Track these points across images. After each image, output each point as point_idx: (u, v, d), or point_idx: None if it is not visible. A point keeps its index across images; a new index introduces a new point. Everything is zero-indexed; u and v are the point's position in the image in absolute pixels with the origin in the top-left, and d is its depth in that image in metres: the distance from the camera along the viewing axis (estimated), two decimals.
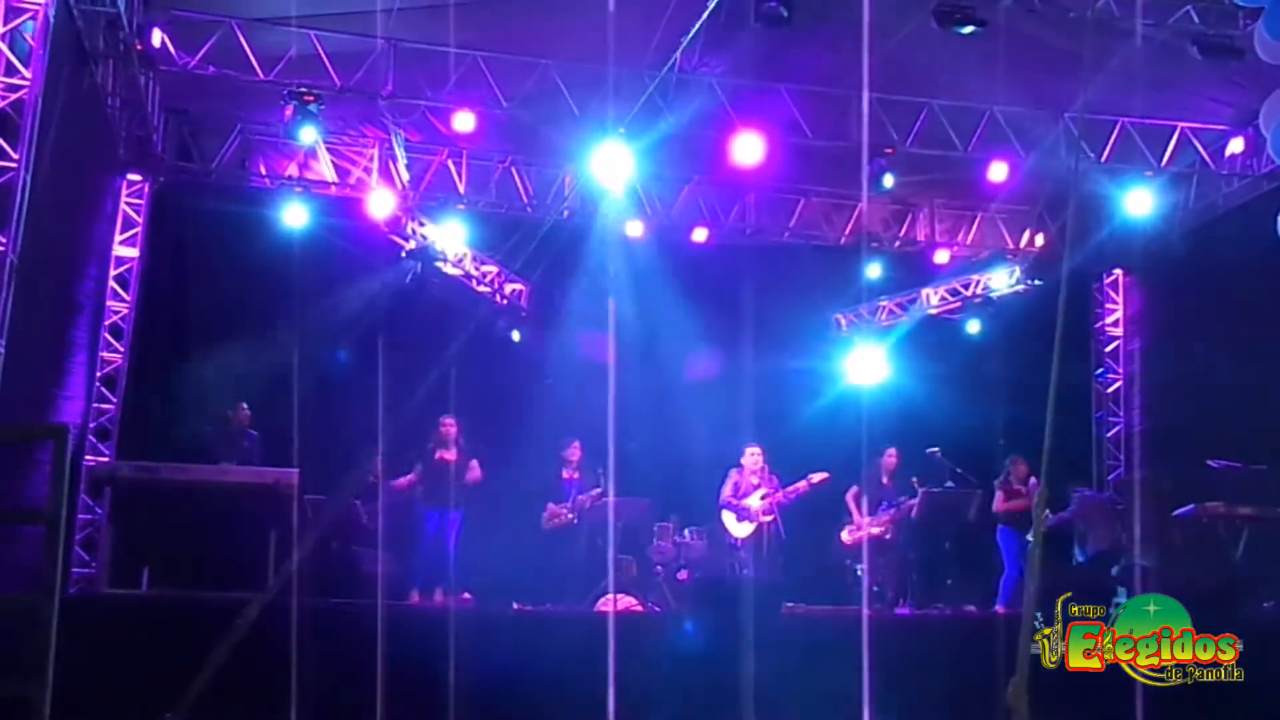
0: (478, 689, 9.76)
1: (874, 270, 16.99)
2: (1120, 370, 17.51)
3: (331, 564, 12.41)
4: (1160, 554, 13.25)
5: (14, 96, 9.37)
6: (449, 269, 15.76)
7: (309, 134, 13.31)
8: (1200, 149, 14.85)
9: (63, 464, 4.90)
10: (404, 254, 15.29)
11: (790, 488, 13.88)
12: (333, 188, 15.14)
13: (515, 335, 16.52)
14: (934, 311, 17.78)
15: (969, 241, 17.18)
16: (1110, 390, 17.50)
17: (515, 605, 12.70)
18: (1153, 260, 16.82)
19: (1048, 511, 13.30)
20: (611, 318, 13.18)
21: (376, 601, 10.79)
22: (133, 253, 14.31)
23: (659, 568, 13.92)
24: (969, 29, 11.73)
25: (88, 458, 13.56)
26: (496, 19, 12.48)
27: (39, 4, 9.42)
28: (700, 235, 16.31)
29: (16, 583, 9.77)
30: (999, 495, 14.14)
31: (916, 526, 14.01)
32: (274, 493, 11.98)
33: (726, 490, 14.06)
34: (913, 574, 14.01)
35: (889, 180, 14.22)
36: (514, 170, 15.66)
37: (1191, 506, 13.72)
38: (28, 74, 9.36)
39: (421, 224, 15.44)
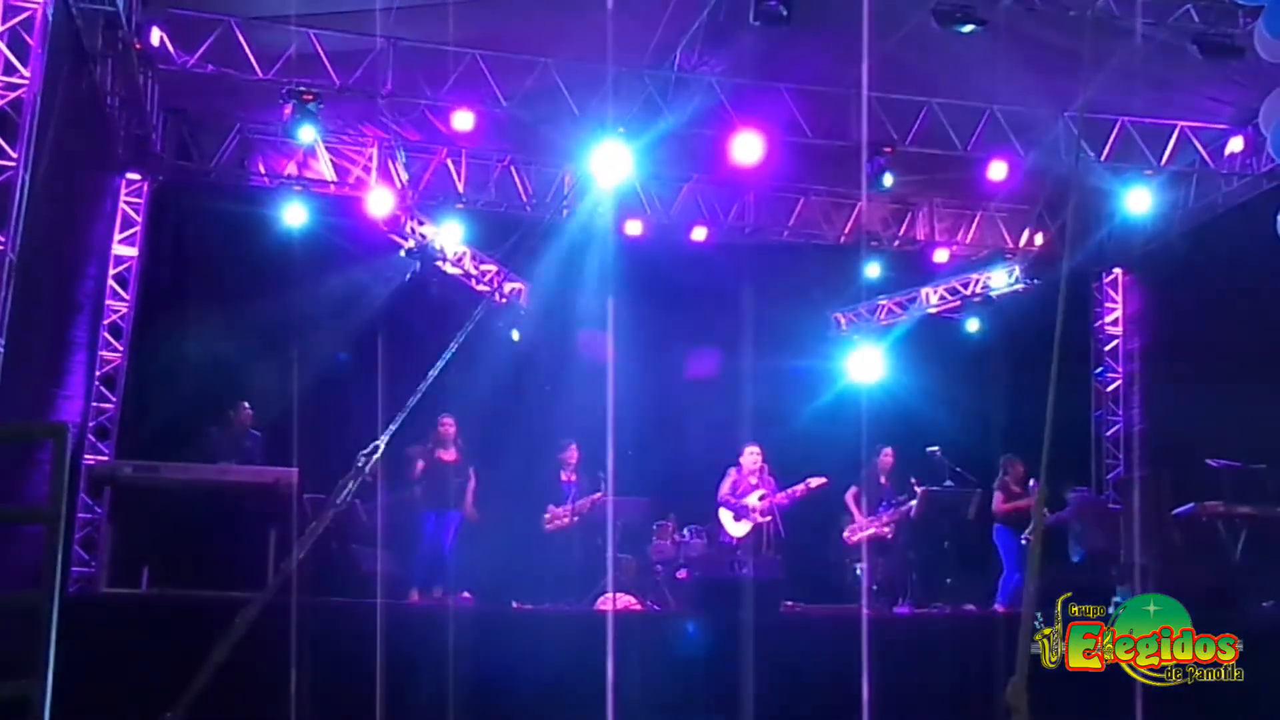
0: (477, 688, 9.77)
1: (873, 269, 16.97)
2: (1120, 369, 17.50)
3: (331, 563, 12.41)
4: (1159, 554, 13.25)
5: (13, 95, 9.36)
6: (448, 268, 15.77)
7: (308, 133, 13.30)
8: (1200, 148, 14.84)
9: (62, 463, 4.90)
10: (403, 253, 15.29)
11: (788, 490, 13.89)
12: (332, 187, 15.13)
13: (514, 335, 16.52)
14: (933, 311, 17.79)
15: (968, 241, 17.17)
16: (1110, 389, 17.50)
17: (515, 604, 12.70)
18: (1152, 259, 16.83)
19: (1045, 510, 13.28)
20: (611, 317, 13.16)
21: (376, 601, 10.80)
22: (132, 252, 14.29)
23: (658, 567, 13.92)
24: (969, 28, 11.73)
25: (87, 457, 13.54)
26: (496, 18, 12.47)
27: (37, 3, 9.41)
28: (699, 234, 16.30)
29: (16, 582, 9.77)
30: (998, 496, 14.14)
31: (916, 526, 14.02)
32: (274, 492, 11.98)
33: (725, 488, 14.06)
34: (912, 573, 14.01)
35: (888, 179, 14.22)
36: (513, 169, 15.65)
37: (1191, 506, 13.73)
38: (26, 73, 9.36)
39: (421, 223, 15.44)
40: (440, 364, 6.56)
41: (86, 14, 10.99)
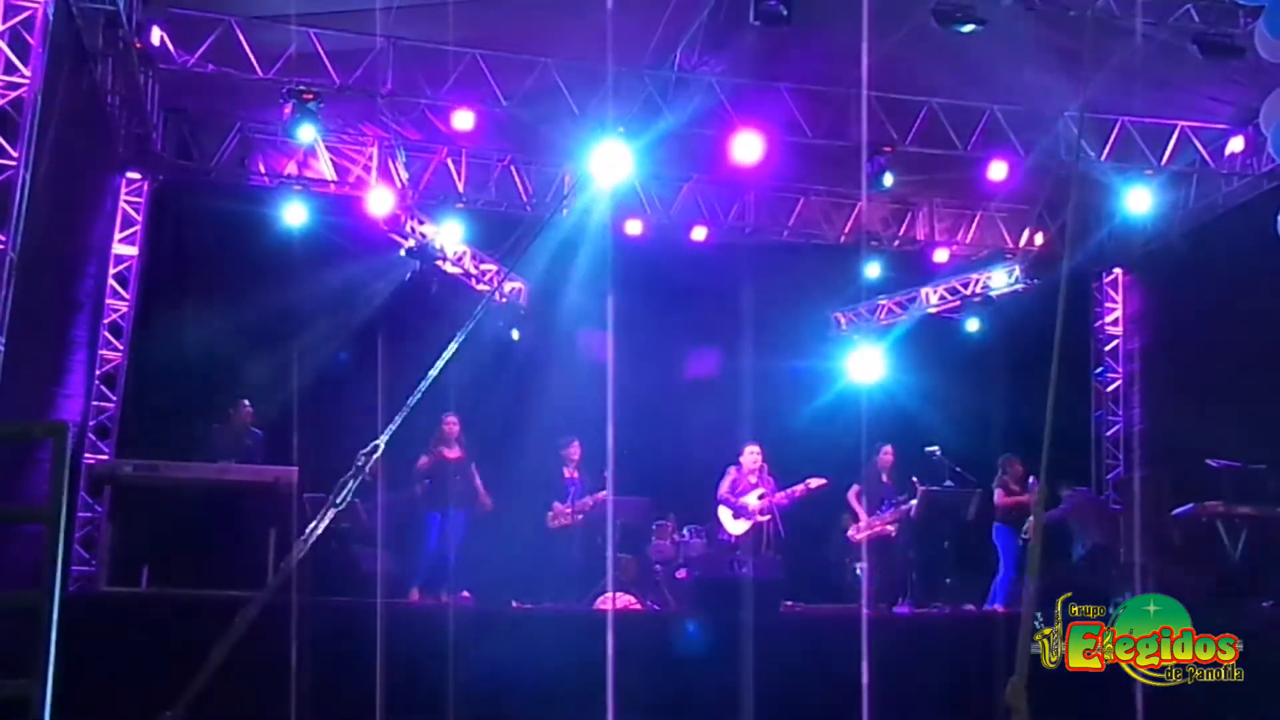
0: (476, 687, 9.78)
1: (873, 269, 16.97)
2: (1119, 369, 17.51)
3: (331, 563, 12.40)
4: (1159, 554, 13.25)
5: (13, 94, 9.36)
6: (448, 267, 15.77)
7: (308, 132, 13.31)
8: (1200, 148, 14.84)
9: (62, 462, 4.90)
10: (403, 252, 15.30)
11: (787, 491, 13.89)
12: (332, 186, 15.13)
13: (514, 334, 16.52)
14: (933, 310, 17.79)
15: (968, 240, 17.17)
16: (1109, 389, 17.50)
17: (514, 603, 12.70)
18: (1152, 259, 16.83)
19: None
20: (610, 316, 13.17)
21: (376, 600, 10.79)
22: (132, 251, 14.30)
23: (658, 566, 13.93)
24: (969, 27, 11.73)
25: (87, 456, 13.55)
26: (496, 17, 12.47)
27: (38, 2, 9.41)
28: (699, 234, 16.31)
29: (16, 581, 9.77)
30: (998, 493, 14.14)
31: (916, 526, 14.01)
32: (274, 491, 11.98)
33: (724, 487, 14.06)
34: (912, 573, 14.01)
35: (888, 179, 14.22)
36: (513, 169, 15.65)
37: (1191, 506, 13.74)
38: (27, 72, 9.36)
39: (421, 222, 15.44)
40: (440, 363, 6.55)
41: (87, 13, 10.99)
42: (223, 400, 13.62)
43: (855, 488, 14.25)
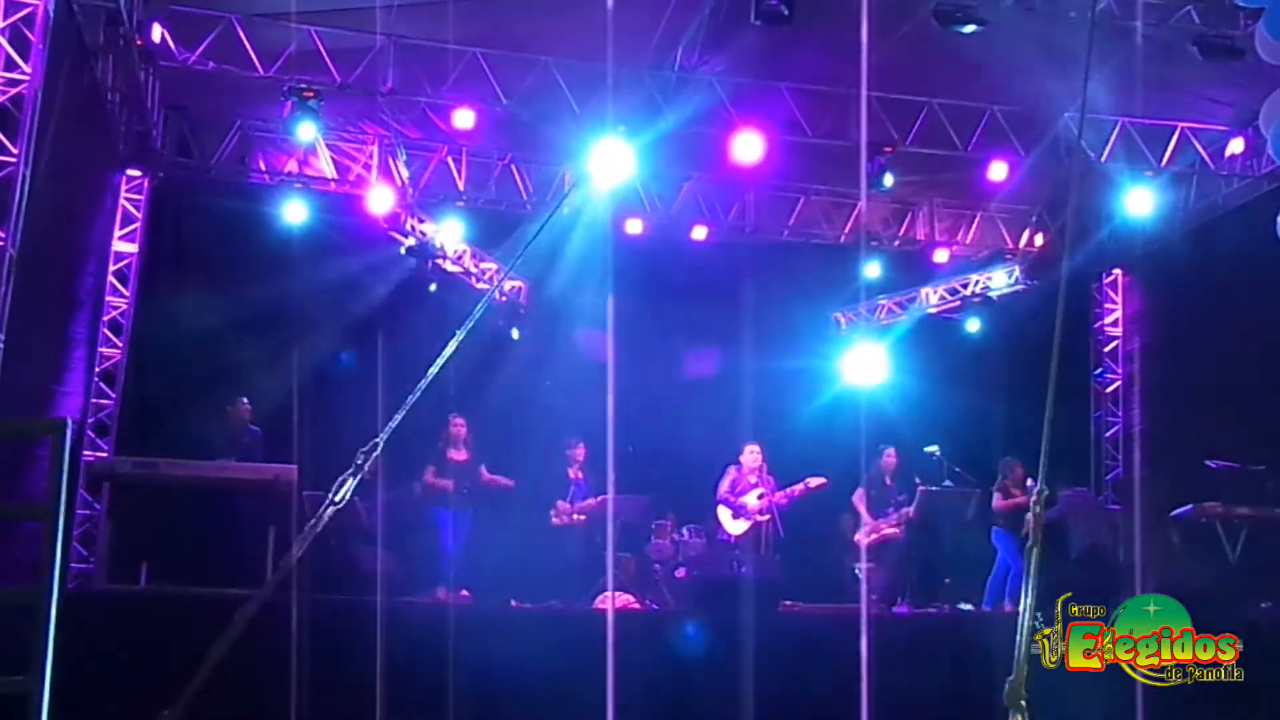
0: (476, 685, 9.77)
1: (873, 269, 16.98)
2: (1119, 370, 17.51)
3: (330, 561, 12.41)
4: (1159, 554, 13.26)
5: (14, 91, 9.36)
6: (448, 266, 15.77)
7: (308, 130, 13.30)
8: (1200, 149, 14.83)
9: (61, 459, 4.90)
10: (403, 250, 15.30)
11: (786, 490, 13.89)
12: (332, 184, 15.12)
13: (514, 333, 16.52)
14: (933, 311, 17.79)
15: (968, 241, 17.18)
16: (1109, 390, 17.50)
17: (513, 602, 12.70)
18: (1152, 260, 16.82)
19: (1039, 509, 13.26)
20: (610, 316, 13.17)
21: (375, 599, 10.79)
22: (132, 248, 14.29)
23: (657, 565, 13.92)
24: (970, 28, 11.72)
25: (86, 453, 13.54)
26: (496, 16, 12.47)
27: None
28: (700, 233, 16.30)
29: (15, 578, 9.76)
30: (996, 496, 14.12)
31: (915, 526, 14.02)
32: (273, 489, 11.98)
33: (724, 486, 14.07)
34: (911, 573, 14.01)
35: (889, 179, 14.23)
36: (514, 167, 15.66)
37: (1190, 506, 13.74)
38: (27, 68, 9.35)
39: (421, 221, 15.44)
40: (440, 362, 6.54)
41: (88, 10, 10.98)
42: (222, 398, 13.62)
43: (859, 491, 14.23)
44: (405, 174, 14.97)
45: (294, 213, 14.86)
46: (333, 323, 14.96)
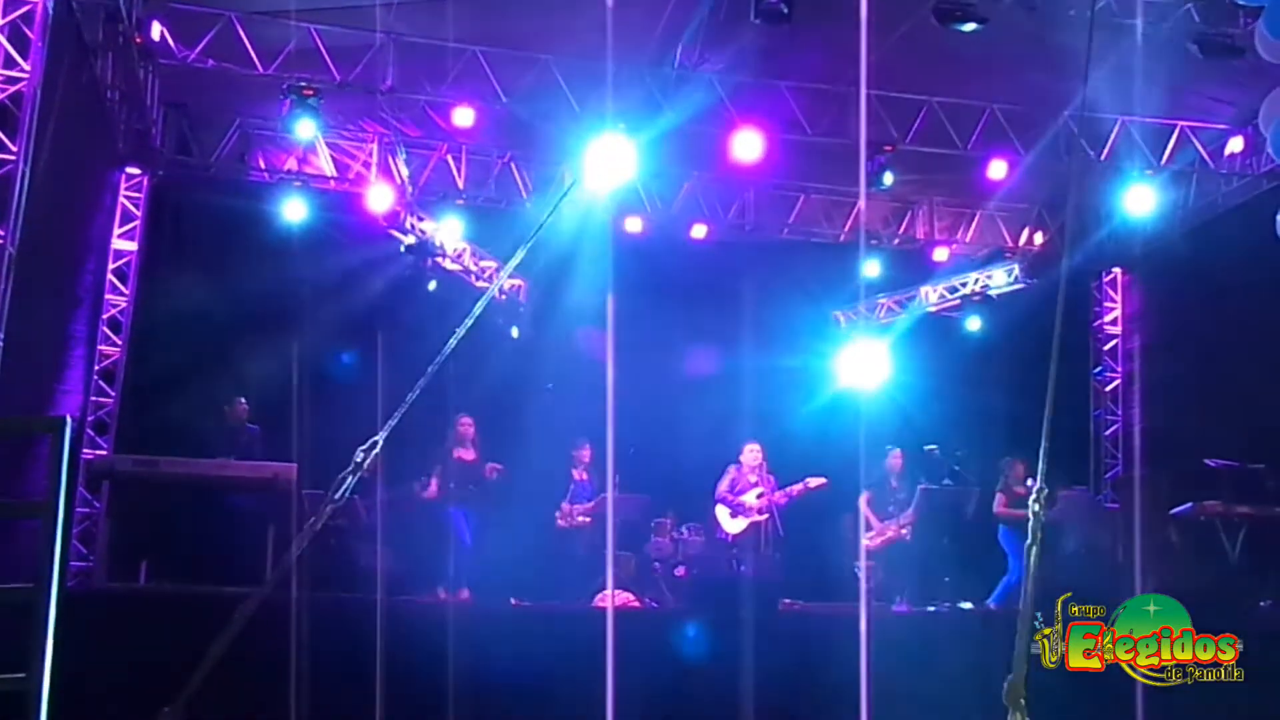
0: (475, 684, 9.77)
1: (873, 268, 16.97)
2: (1119, 369, 17.50)
3: (329, 559, 12.42)
4: (1158, 553, 13.26)
5: (13, 89, 9.36)
6: (448, 264, 15.75)
7: (307, 128, 13.30)
8: (1200, 148, 14.84)
9: (61, 457, 4.89)
10: (403, 249, 15.28)
11: (786, 489, 13.89)
12: (332, 182, 15.12)
13: (514, 332, 16.51)
14: (933, 309, 17.77)
15: (968, 239, 17.18)
16: (1108, 389, 17.49)
17: (513, 601, 12.70)
18: (1152, 259, 16.82)
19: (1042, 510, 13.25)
20: (610, 314, 13.15)
21: (375, 597, 10.80)
22: (131, 246, 14.28)
23: (656, 564, 13.93)
24: (969, 26, 11.72)
25: (86, 451, 13.54)
26: (496, 14, 12.47)
27: None
28: (699, 232, 16.30)
29: (14, 576, 9.75)
30: (999, 498, 14.09)
31: (914, 524, 14.02)
32: (272, 487, 11.99)
33: (723, 485, 14.07)
34: (912, 572, 14.00)
35: (888, 178, 14.23)
36: (513, 166, 15.65)
37: (1189, 505, 13.74)
38: (27, 66, 9.35)
39: (420, 219, 15.42)
40: (439, 360, 6.54)
41: (87, 8, 10.99)
42: (222, 396, 13.63)
43: (866, 494, 14.20)
44: (405, 172, 14.96)
45: (293, 211, 14.86)
46: (332, 321, 14.94)
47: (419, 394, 6.68)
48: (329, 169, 15.07)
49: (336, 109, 13.79)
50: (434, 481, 13.40)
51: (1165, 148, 14.84)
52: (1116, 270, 17.68)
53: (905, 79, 13.53)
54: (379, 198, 14.78)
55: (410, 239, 15.26)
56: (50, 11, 9.48)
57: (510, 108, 13.45)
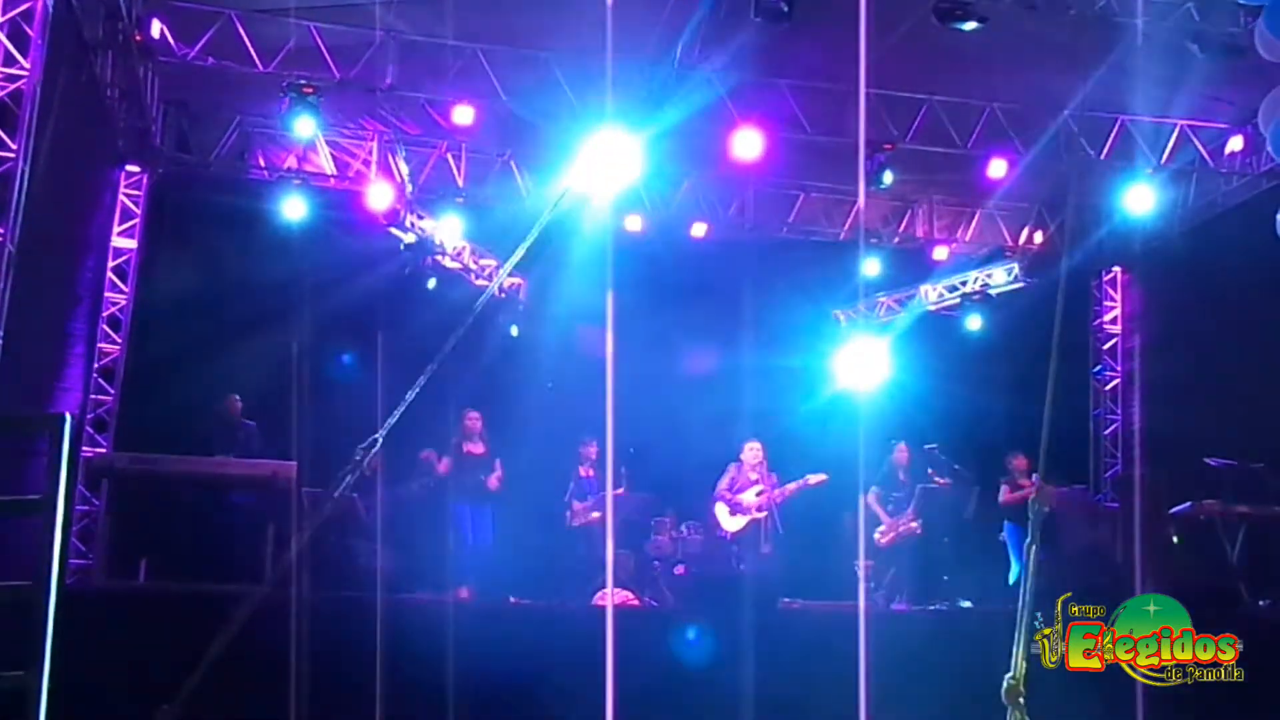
0: (474, 682, 9.78)
1: (873, 266, 16.96)
2: (1118, 367, 17.50)
3: (329, 558, 12.41)
4: (1156, 552, 13.26)
5: (12, 86, 9.35)
6: (447, 262, 15.74)
7: (307, 127, 13.29)
8: (1200, 147, 14.84)
9: (60, 454, 4.89)
10: (402, 247, 15.27)
11: (785, 486, 13.89)
12: (331, 180, 15.11)
13: (514, 330, 16.49)
14: (933, 308, 17.75)
15: (968, 238, 17.18)
16: (1108, 388, 17.50)
17: (512, 599, 12.70)
18: (1152, 258, 16.81)
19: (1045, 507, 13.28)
20: (610, 313, 13.14)
21: (375, 596, 10.79)
22: (131, 244, 14.29)
23: (656, 562, 13.92)
24: (970, 25, 11.71)
25: (85, 449, 13.54)
26: (496, 11, 12.46)
27: None
28: (699, 230, 16.29)
29: (13, 574, 9.76)
30: (1004, 489, 14.14)
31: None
32: (272, 485, 11.98)
33: (723, 484, 14.08)
34: (911, 571, 14.02)
35: (888, 177, 14.22)
36: (513, 164, 15.64)
37: (1188, 504, 13.74)
38: (26, 64, 9.34)
39: (420, 217, 15.41)
40: (439, 358, 6.54)
41: (87, 6, 10.99)
42: (221, 394, 13.64)
43: (875, 490, 14.22)
44: (404, 170, 14.94)
45: (293, 209, 14.85)
46: (332, 319, 14.93)
47: (419, 392, 6.68)
48: (329, 167, 15.06)
49: (336, 107, 13.79)
50: (445, 461, 13.42)
51: (1165, 147, 14.84)
52: (1116, 269, 17.68)
53: (905, 78, 13.52)
54: (379, 196, 14.76)
55: (410, 237, 15.25)
56: (50, 9, 9.47)
57: (510, 106, 13.44)
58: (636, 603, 12.98)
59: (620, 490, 13.57)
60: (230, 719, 9.12)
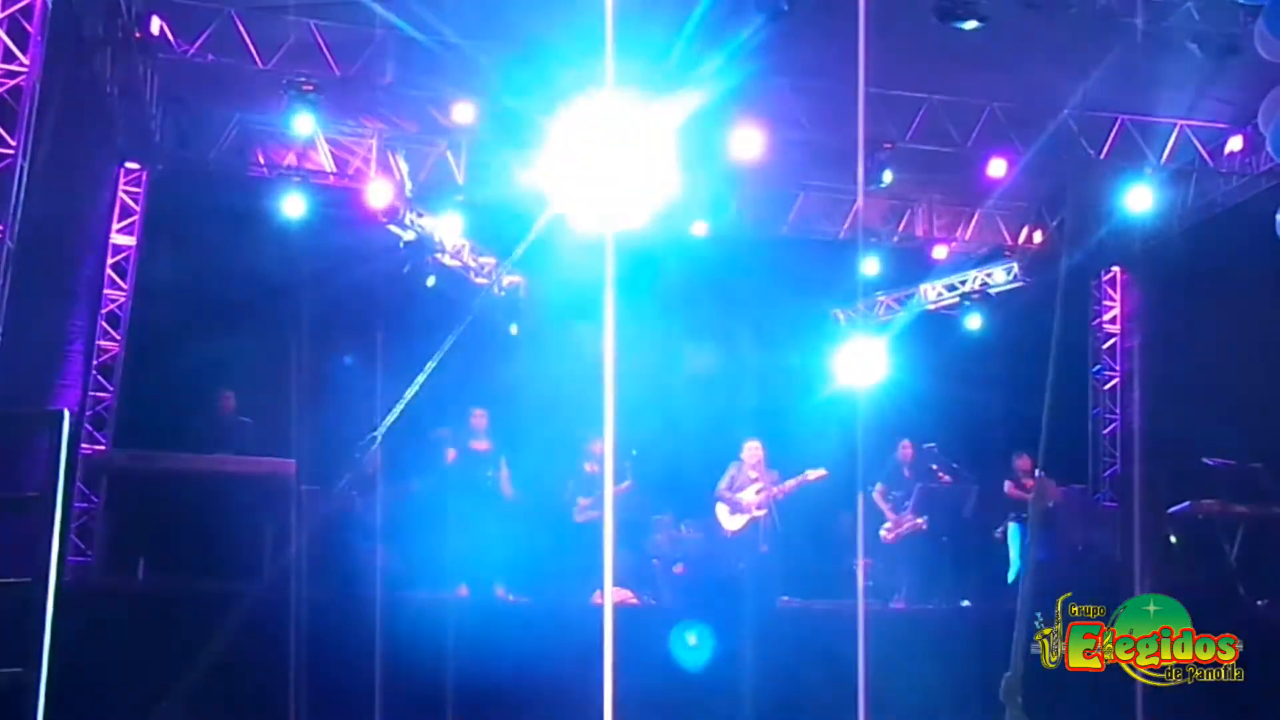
0: (473, 680, 9.78)
1: (872, 265, 16.96)
2: (1117, 367, 17.49)
3: (328, 555, 12.41)
4: (1155, 552, 13.27)
5: (12, 83, 9.34)
6: (447, 260, 15.73)
7: (306, 124, 13.29)
8: (1199, 146, 14.85)
9: (59, 451, 4.89)
10: (402, 245, 15.25)
11: (785, 483, 13.89)
12: (331, 178, 15.10)
13: (513, 328, 16.48)
14: (932, 307, 17.76)
15: (967, 237, 17.17)
16: (1107, 387, 17.48)
17: (511, 596, 12.69)
18: (1151, 258, 16.81)
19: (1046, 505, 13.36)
20: (609, 311, 13.13)
21: (374, 593, 10.80)
22: (130, 241, 14.29)
23: (655, 561, 13.92)
24: (970, 24, 11.70)
25: (84, 446, 13.54)
26: (496, 9, 12.45)
27: None
28: (699, 229, 16.27)
29: (12, 570, 9.76)
30: (1008, 485, 14.18)
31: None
32: (271, 483, 11.98)
33: (723, 483, 14.08)
34: (910, 569, 14.03)
35: (888, 176, 14.22)
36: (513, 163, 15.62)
37: (1187, 504, 13.74)
38: (26, 60, 9.33)
39: (420, 215, 15.39)
40: (438, 356, 6.53)
41: (86, 2, 10.97)
42: (220, 391, 13.64)
43: (880, 487, 14.23)
44: (404, 168, 14.93)
45: (292, 206, 14.83)
46: (331, 317, 14.92)
47: (417, 390, 6.69)
48: (328, 165, 15.05)
49: (336, 104, 13.76)
50: (453, 450, 13.41)
51: (1165, 146, 14.84)
52: (1116, 269, 17.66)
53: (905, 76, 13.51)
54: (378, 193, 14.74)
55: (409, 235, 15.23)
56: (49, 6, 9.46)
57: (510, 104, 13.42)
58: (635, 601, 12.98)
59: (627, 484, 13.56)
60: (229, 717, 9.13)
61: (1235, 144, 14.65)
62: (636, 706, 9.36)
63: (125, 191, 14.26)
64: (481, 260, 16.17)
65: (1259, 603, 12.85)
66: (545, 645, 10.41)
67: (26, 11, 9.36)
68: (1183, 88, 13.79)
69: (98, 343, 13.92)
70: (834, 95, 13.64)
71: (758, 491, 13.85)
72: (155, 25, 12.25)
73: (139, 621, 10.11)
